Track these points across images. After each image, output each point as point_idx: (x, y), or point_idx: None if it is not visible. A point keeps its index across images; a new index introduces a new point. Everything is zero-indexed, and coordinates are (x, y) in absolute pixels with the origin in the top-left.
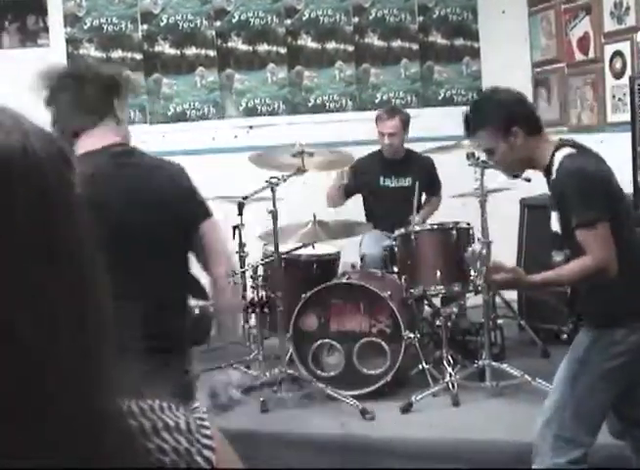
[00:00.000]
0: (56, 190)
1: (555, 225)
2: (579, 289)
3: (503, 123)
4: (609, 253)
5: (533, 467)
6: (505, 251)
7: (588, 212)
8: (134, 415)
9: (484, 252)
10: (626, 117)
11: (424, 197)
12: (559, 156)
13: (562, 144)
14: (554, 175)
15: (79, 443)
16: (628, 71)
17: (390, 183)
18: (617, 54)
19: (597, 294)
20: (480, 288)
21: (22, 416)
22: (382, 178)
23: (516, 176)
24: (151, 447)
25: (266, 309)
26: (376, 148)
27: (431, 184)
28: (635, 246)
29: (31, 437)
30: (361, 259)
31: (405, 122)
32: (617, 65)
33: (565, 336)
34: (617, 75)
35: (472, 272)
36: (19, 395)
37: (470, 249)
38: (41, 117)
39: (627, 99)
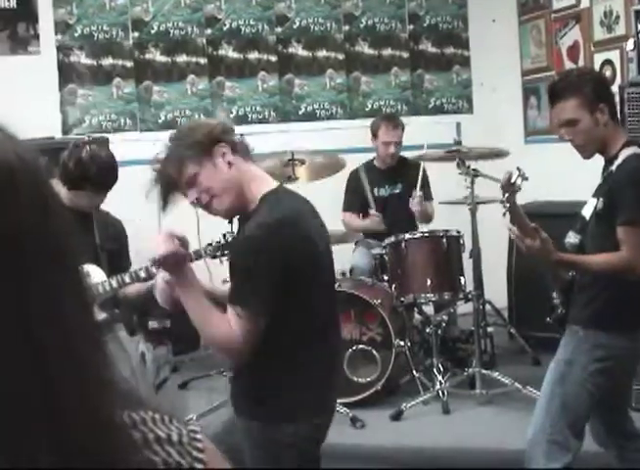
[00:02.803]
0: (49, 195)
1: (587, 210)
2: (580, 282)
3: (594, 96)
4: None
5: None
6: (495, 259)
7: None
8: (127, 427)
9: (519, 182)
10: None
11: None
12: (627, 151)
13: (632, 141)
14: (614, 168)
15: (85, 452)
16: (618, 80)
17: (385, 193)
18: (607, 62)
19: (596, 293)
20: (469, 296)
21: (32, 418)
22: (375, 189)
23: (587, 157)
24: (142, 460)
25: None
26: (367, 156)
27: (421, 189)
28: None
29: (39, 442)
30: (350, 272)
31: (404, 129)
32: (607, 73)
33: (549, 320)
34: None
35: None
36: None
37: (506, 175)
38: (30, 121)
39: (617, 108)
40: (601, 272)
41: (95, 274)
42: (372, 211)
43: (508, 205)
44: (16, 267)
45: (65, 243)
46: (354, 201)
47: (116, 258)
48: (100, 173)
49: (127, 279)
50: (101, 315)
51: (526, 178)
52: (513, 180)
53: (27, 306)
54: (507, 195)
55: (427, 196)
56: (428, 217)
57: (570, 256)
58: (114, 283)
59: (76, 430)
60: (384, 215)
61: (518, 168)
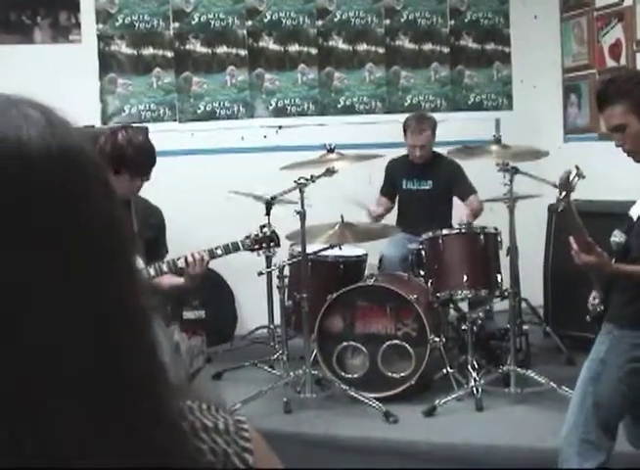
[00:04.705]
0: (108, 181)
1: (635, 211)
2: (621, 281)
3: None
4: None
5: None
6: (532, 257)
7: None
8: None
9: (576, 180)
10: None
11: (455, 201)
12: None
13: None
14: None
15: (145, 442)
16: None
17: (412, 186)
18: None
19: (637, 293)
20: (506, 293)
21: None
22: (404, 181)
23: (639, 161)
24: (191, 448)
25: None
26: (404, 151)
27: (454, 187)
28: None
29: (102, 436)
30: (379, 261)
31: (434, 130)
32: None
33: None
34: None
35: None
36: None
37: (565, 174)
38: (70, 110)
39: None
40: None
41: None
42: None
43: (564, 203)
44: (90, 252)
45: (125, 229)
46: (388, 187)
47: (154, 247)
48: (136, 155)
49: (165, 268)
50: None
51: (584, 177)
52: (571, 179)
53: (102, 291)
54: (564, 193)
55: (463, 194)
56: (477, 215)
57: (628, 267)
58: (152, 271)
59: (142, 418)
60: (408, 210)
61: (576, 167)
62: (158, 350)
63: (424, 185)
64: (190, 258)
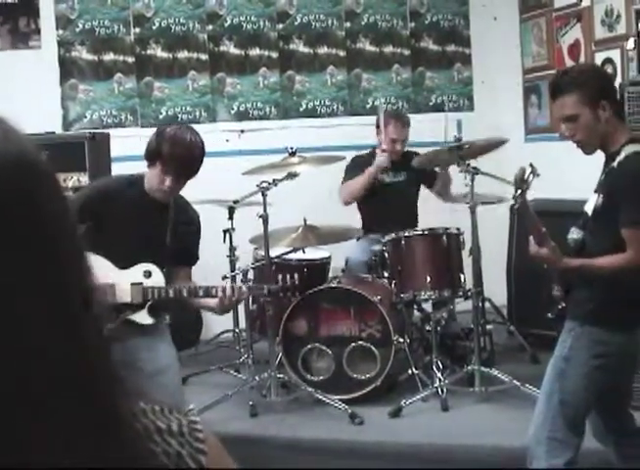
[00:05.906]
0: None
1: (589, 207)
2: (581, 278)
3: (595, 92)
4: None
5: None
6: (495, 256)
7: None
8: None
9: (531, 178)
10: None
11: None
12: (629, 149)
13: (636, 139)
14: (615, 165)
15: (93, 443)
16: (619, 79)
17: (386, 178)
18: (608, 61)
19: (597, 290)
20: (469, 293)
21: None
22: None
23: (588, 153)
24: (144, 450)
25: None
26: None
27: (426, 177)
28: None
29: (47, 438)
30: (345, 264)
31: (409, 128)
32: (608, 72)
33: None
34: None
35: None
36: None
37: (520, 171)
38: (31, 116)
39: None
40: (609, 272)
41: (155, 276)
42: (378, 150)
43: (520, 201)
44: (52, 250)
45: (76, 228)
46: (355, 176)
47: (183, 256)
48: (173, 151)
49: (185, 293)
50: (149, 320)
51: (539, 175)
52: (526, 176)
53: (68, 293)
54: (519, 191)
55: (432, 181)
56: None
57: (577, 261)
58: (172, 292)
59: (103, 419)
60: (385, 202)
61: (531, 165)
62: (110, 350)
63: (398, 177)
64: (212, 291)
